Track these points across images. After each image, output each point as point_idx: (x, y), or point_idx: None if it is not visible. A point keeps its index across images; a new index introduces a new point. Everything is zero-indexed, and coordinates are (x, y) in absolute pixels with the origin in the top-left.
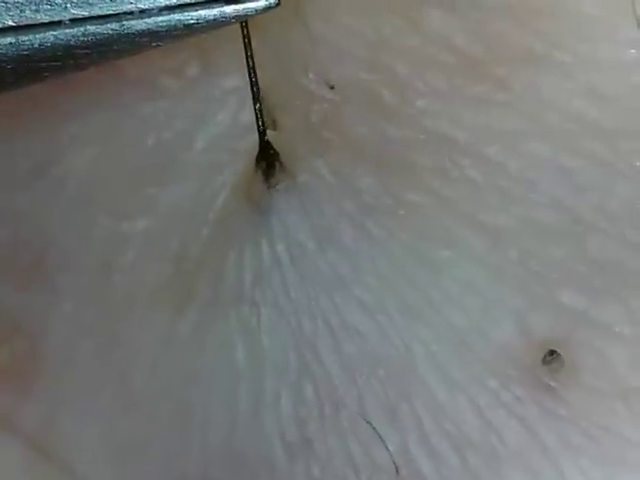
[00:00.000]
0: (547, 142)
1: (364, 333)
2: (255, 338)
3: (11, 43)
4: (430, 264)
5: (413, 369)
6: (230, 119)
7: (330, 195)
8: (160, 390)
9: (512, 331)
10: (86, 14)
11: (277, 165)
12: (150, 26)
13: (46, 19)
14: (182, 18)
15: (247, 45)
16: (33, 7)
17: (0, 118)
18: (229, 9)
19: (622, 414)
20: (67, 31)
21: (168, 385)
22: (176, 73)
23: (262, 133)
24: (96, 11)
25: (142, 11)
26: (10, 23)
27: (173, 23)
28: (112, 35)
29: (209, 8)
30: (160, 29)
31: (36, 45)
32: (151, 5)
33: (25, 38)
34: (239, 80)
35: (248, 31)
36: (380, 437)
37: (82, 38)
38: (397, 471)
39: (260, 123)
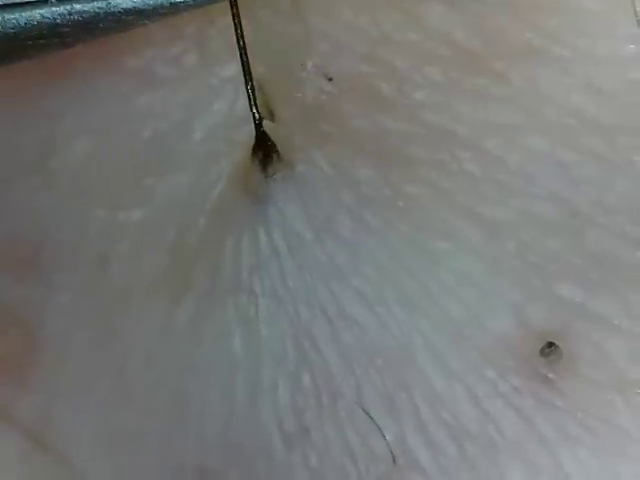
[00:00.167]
0: (545, 136)
1: (362, 323)
2: (253, 327)
3: None
4: (428, 255)
5: (411, 359)
6: (227, 109)
7: (328, 186)
8: (157, 380)
9: (510, 322)
10: None
11: (274, 155)
12: (136, 4)
13: None
14: None
15: (237, 25)
16: None
17: None
18: None
19: (619, 406)
20: (53, 9)
21: (165, 375)
22: (173, 63)
23: (258, 123)
24: None
25: None
26: None
27: (159, 1)
28: (98, 13)
29: None
30: (146, 7)
31: (22, 23)
32: None
33: (11, 16)
34: (236, 69)
35: (238, 10)
36: (377, 426)
37: (68, 16)
38: (394, 460)
39: (255, 110)
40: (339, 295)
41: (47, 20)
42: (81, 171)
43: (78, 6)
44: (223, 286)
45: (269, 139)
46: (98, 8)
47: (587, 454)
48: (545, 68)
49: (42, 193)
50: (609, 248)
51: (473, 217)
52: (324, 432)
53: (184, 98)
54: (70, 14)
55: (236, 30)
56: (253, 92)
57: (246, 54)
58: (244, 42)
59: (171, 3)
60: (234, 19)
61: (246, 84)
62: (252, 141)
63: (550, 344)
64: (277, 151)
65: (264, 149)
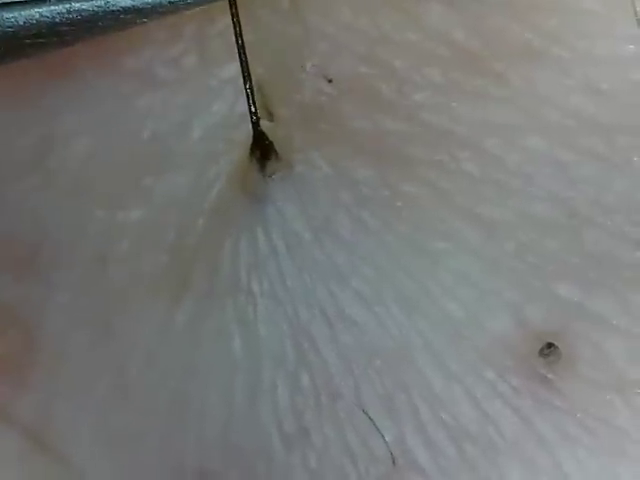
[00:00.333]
0: (544, 136)
1: (361, 323)
2: (252, 328)
3: None
4: (427, 255)
5: (410, 360)
6: (227, 110)
7: (327, 186)
8: (156, 381)
9: (508, 322)
10: None
11: (273, 155)
12: (135, 2)
13: None
14: None
15: (236, 24)
16: None
17: None
18: None
19: (619, 406)
20: (52, 8)
21: (164, 376)
22: (173, 64)
23: (255, 122)
24: None
25: None
26: None
27: (158, 0)
28: (97, 12)
29: None
30: (145, 5)
31: (21, 22)
32: None
33: (10, 15)
34: (236, 71)
35: (237, 9)
36: (377, 427)
37: (67, 15)
38: (394, 461)
39: (252, 108)
40: (338, 295)
41: (46, 19)
42: (80, 171)
43: (77, 5)
44: (222, 286)
45: (267, 138)
46: (97, 7)
47: (586, 454)
48: (544, 68)
49: (41, 193)
50: (608, 248)
51: (472, 217)
52: (323, 433)
53: (183, 99)
54: (69, 13)
55: (235, 29)
56: (252, 91)
57: (245, 53)
58: (243, 41)
59: (170, 2)
60: (233, 18)
61: (245, 83)
62: (250, 141)
63: (549, 344)
64: (275, 151)
65: (262, 149)
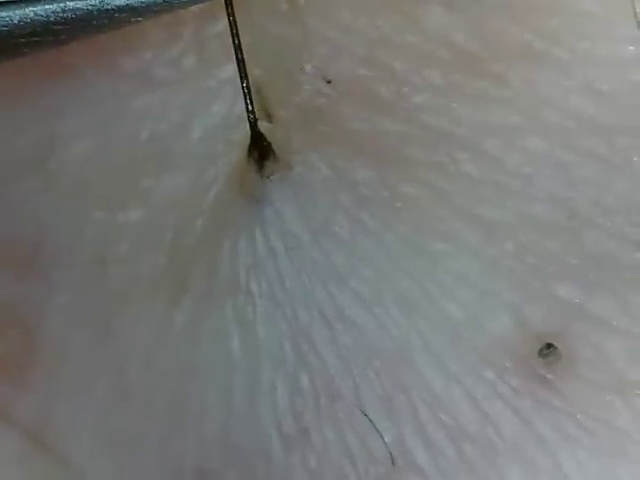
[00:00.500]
0: (544, 138)
1: (360, 324)
2: (251, 329)
3: None
4: (426, 256)
5: (409, 360)
6: (226, 110)
7: (325, 187)
8: (155, 381)
9: (508, 323)
10: None
11: (271, 156)
12: (129, 1)
13: None
14: None
15: (232, 23)
16: None
17: None
18: None
19: (619, 407)
20: (47, 7)
21: (163, 376)
22: (172, 65)
23: (253, 123)
24: None
25: None
26: None
27: None
28: (91, 11)
29: None
30: (140, 4)
31: (15, 21)
32: None
33: (4, 14)
34: (235, 71)
35: (232, 8)
36: (376, 428)
37: (61, 14)
38: (393, 462)
39: (250, 108)
40: (337, 296)
41: (40, 18)
42: (80, 173)
43: (71, 3)
44: (221, 287)
45: (265, 139)
46: (91, 5)
47: (586, 455)
48: (544, 70)
49: (41, 194)
50: (608, 249)
51: (471, 218)
52: (323, 433)
53: (182, 100)
54: (63, 11)
55: (231, 28)
56: (249, 91)
57: (242, 52)
58: (239, 40)
59: (165, 0)
60: (229, 17)
61: (242, 82)
62: (249, 142)
63: (549, 345)
64: (273, 151)
65: (260, 149)
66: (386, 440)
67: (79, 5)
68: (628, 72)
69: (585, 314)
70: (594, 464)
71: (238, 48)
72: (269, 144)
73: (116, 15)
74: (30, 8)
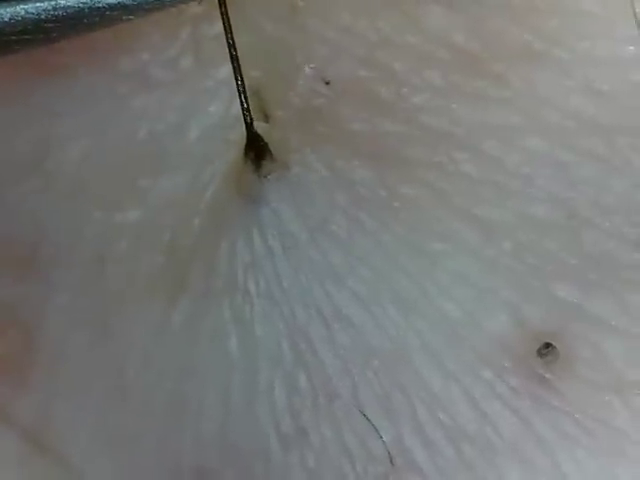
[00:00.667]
0: (544, 138)
1: (358, 324)
2: (248, 328)
3: None
4: (424, 256)
5: (407, 360)
6: (223, 111)
7: (323, 187)
8: (154, 381)
9: (506, 323)
10: None
11: (267, 156)
12: None
13: None
14: None
15: (226, 22)
16: None
17: None
18: None
19: (617, 407)
20: (38, 4)
21: (161, 376)
22: (169, 65)
23: (250, 123)
24: None
25: None
26: None
27: None
28: (83, 9)
29: None
30: (131, 2)
31: (6, 19)
32: None
33: None
34: (232, 71)
35: (226, 8)
36: (374, 427)
37: (52, 12)
38: (392, 461)
39: (246, 107)
40: (334, 296)
41: (31, 15)
42: (77, 173)
43: (62, 1)
44: (218, 286)
45: (261, 139)
46: (82, 3)
47: (585, 455)
48: (544, 70)
49: (40, 195)
50: (607, 249)
51: (470, 218)
52: (321, 433)
53: (179, 100)
54: (54, 9)
55: (225, 27)
56: (244, 90)
57: (236, 52)
58: (233, 40)
59: None
60: (222, 16)
61: (236, 81)
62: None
63: (547, 344)
64: (270, 151)
65: (256, 149)
66: (384, 439)
67: (70, 3)
68: (628, 72)
69: (584, 314)
70: (593, 464)
71: (232, 47)
72: (266, 144)
73: (107, 13)
74: (21, 6)
